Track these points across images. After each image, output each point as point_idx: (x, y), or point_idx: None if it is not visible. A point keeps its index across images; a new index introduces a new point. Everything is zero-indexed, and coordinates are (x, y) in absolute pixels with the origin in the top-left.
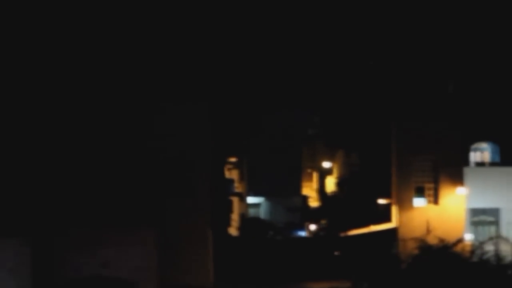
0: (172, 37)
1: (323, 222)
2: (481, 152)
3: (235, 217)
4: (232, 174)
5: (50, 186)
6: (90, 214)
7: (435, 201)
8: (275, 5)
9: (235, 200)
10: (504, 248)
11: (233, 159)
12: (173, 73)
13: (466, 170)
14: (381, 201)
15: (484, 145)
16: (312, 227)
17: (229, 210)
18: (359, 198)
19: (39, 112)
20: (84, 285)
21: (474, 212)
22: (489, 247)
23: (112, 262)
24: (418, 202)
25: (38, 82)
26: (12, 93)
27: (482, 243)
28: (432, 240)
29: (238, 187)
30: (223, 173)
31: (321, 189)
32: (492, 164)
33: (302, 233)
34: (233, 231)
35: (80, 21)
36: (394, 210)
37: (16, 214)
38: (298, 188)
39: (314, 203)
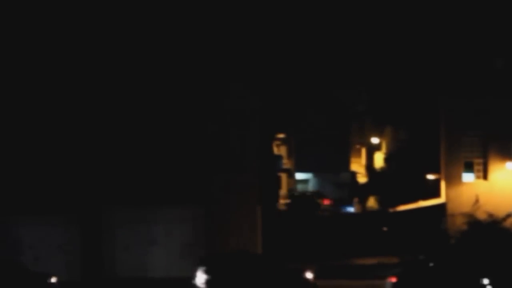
0: (224, 15)
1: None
2: None
3: (283, 192)
4: (280, 150)
5: (98, 165)
6: (138, 192)
7: (484, 176)
8: None
9: (284, 176)
10: None
11: (281, 135)
12: (224, 49)
13: None
14: (430, 176)
15: None
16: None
17: (278, 185)
18: (407, 174)
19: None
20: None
21: None
22: None
23: (160, 239)
24: (467, 177)
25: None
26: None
27: None
28: (481, 215)
29: (286, 163)
30: (271, 149)
31: (370, 165)
32: None
33: (351, 209)
34: (281, 206)
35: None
36: (442, 185)
37: (65, 191)
38: (347, 164)
39: (362, 179)
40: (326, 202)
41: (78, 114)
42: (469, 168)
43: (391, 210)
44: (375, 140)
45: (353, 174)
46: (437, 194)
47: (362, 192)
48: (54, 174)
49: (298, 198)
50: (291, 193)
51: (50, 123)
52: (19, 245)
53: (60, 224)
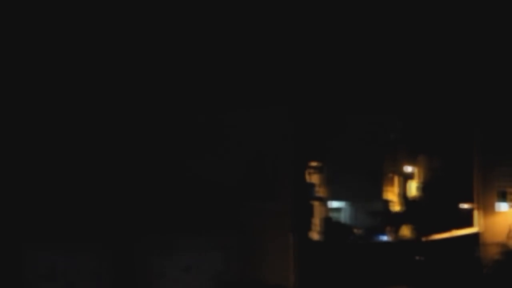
0: (256, 39)
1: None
2: None
3: (316, 221)
4: (313, 178)
5: (132, 192)
6: (171, 219)
7: None
8: (360, 6)
9: (316, 204)
10: None
11: (314, 164)
12: (255, 75)
13: None
14: (464, 205)
15: None
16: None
17: (310, 214)
18: (441, 203)
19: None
20: None
21: None
22: None
23: (193, 266)
24: (501, 206)
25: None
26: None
27: None
28: None
29: (319, 191)
30: (304, 177)
31: (403, 194)
32: None
33: (384, 238)
34: (314, 235)
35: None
36: (476, 214)
37: (98, 218)
38: (380, 192)
39: (395, 207)
40: (359, 231)
41: (111, 141)
42: (503, 197)
43: (424, 239)
44: (408, 169)
45: (386, 203)
46: (470, 224)
47: (396, 220)
48: (88, 201)
49: (331, 226)
50: (324, 222)
51: (82, 150)
52: (52, 272)
53: (94, 251)
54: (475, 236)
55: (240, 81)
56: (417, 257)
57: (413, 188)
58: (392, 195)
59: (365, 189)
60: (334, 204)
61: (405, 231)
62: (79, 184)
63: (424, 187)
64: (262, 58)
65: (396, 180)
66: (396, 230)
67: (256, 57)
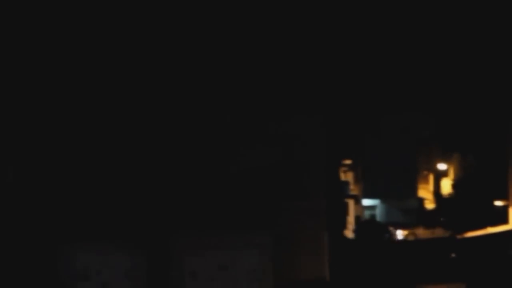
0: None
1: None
2: None
3: (350, 219)
4: (347, 176)
5: (166, 190)
6: (206, 217)
7: None
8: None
9: (351, 202)
10: None
11: (348, 161)
12: (290, 75)
13: None
14: (498, 202)
15: None
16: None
17: (344, 212)
18: (475, 200)
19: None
20: None
21: None
22: None
23: (228, 265)
24: None
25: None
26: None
27: None
28: None
29: (353, 189)
30: (338, 176)
31: (437, 191)
32: None
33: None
34: (348, 233)
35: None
36: (511, 212)
37: (131, 217)
38: (414, 190)
39: (430, 205)
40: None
41: (144, 140)
42: None
43: (459, 236)
44: (442, 166)
45: (421, 201)
46: (505, 221)
47: (430, 218)
48: (122, 200)
49: (366, 224)
50: (359, 219)
51: (115, 149)
52: (87, 271)
53: (128, 250)
54: (510, 234)
55: (275, 83)
56: (451, 255)
57: (447, 186)
58: (426, 192)
59: (399, 187)
60: (368, 202)
61: (439, 229)
62: (113, 183)
63: (458, 185)
64: (293, 59)
65: (430, 178)
66: (431, 227)
67: (286, 59)
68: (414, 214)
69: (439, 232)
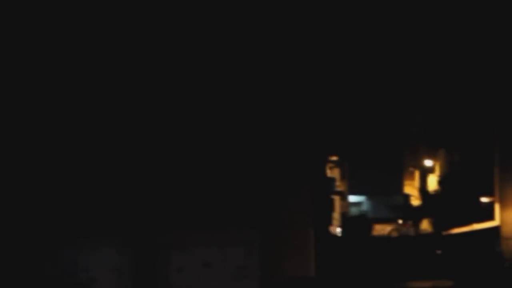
0: (272, 36)
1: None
2: None
3: (336, 215)
4: (333, 172)
5: (153, 186)
6: (192, 214)
7: None
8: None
9: (337, 198)
10: None
11: (334, 158)
12: (276, 71)
13: None
14: (484, 199)
15: None
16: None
17: (331, 208)
18: (461, 197)
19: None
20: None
21: None
22: None
23: (214, 262)
24: None
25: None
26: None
27: None
28: None
29: (339, 186)
30: (324, 172)
31: (423, 188)
32: None
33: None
34: (334, 229)
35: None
36: (497, 208)
37: (118, 213)
38: (400, 186)
39: (415, 201)
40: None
41: (133, 137)
42: None
43: (444, 233)
44: (428, 163)
45: (406, 197)
46: (491, 217)
47: (416, 214)
48: (109, 196)
49: (351, 220)
50: (344, 216)
51: (101, 145)
52: (74, 267)
53: (115, 246)
54: (496, 230)
55: (260, 77)
56: (437, 251)
57: (433, 182)
58: (412, 189)
59: (385, 183)
60: (354, 198)
61: (425, 225)
62: (100, 179)
63: (444, 181)
64: (279, 53)
65: (416, 174)
66: (416, 224)
67: (272, 53)
68: (400, 211)
69: (424, 228)
